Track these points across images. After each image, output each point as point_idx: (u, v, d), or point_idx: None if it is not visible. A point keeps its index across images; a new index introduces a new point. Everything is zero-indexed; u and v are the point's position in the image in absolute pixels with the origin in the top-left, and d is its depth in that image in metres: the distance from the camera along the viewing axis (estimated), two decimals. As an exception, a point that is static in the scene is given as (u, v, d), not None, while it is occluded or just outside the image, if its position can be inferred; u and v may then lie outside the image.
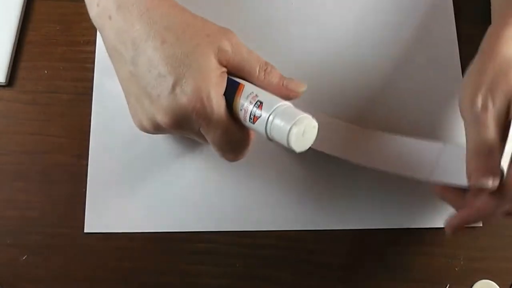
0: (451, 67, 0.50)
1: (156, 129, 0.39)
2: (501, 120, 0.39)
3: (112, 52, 0.40)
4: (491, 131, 0.39)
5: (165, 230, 0.45)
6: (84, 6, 0.50)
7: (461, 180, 0.40)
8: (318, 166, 0.47)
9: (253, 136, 0.40)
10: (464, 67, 0.50)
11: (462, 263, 0.45)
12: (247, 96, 0.38)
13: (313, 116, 0.37)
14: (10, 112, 0.48)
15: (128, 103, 0.41)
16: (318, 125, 0.38)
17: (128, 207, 0.46)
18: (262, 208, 0.46)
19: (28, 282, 0.44)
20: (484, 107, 0.39)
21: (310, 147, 0.38)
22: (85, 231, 0.45)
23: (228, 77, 0.39)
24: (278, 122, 0.37)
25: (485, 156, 0.38)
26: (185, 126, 0.38)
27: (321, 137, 0.40)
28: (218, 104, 0.37)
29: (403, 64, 0.50)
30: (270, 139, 0.38)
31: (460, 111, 0.41)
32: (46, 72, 0.49)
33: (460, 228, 0.42)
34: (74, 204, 0.46)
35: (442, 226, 0.46)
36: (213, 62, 0.37)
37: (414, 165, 0.44)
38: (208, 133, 0.38)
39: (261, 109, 0.37)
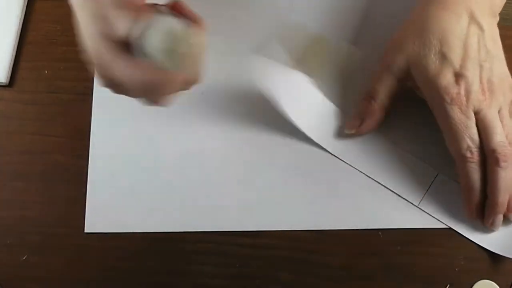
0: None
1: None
2: None
3: None
4: None
5: (165, 230, 0.45)
6: (84, 6, 0.50)
7: (444, 218, 0.46)
8: (318, 166, 0.47)
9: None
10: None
11: (462, 263, 0.45)
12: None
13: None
14: (10, 112, 0.48)
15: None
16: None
17: (128, 207, 0.46)
18: (262, 208, 0.46)
19: (28, 282, 0.44)
20: None
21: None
22: (85, 231, 0.45)
23: None
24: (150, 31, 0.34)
25: None
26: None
27: (321, 128, 0.43)
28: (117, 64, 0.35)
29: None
30: (149, 56, 0.35)
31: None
32: (46, 72, 0.49)
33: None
34: (74, 204, 0.46)
35: (442, 226, 0.46)
36: None
37: (406, 186, 0.46)
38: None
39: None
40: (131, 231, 0.45)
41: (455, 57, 0.42)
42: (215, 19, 0.47)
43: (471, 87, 0.42)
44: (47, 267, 0.45)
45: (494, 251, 0.45)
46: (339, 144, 0.47)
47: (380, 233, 0.46)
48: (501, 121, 0.43)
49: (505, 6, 0.52)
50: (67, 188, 0.46)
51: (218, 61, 0.49)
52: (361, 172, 0.46)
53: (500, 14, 0.50)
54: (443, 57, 0.42)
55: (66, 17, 0.50)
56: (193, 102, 0.48)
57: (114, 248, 0.45)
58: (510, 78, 0.45)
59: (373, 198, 0.46)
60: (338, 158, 0.47)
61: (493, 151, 0.42)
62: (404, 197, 0.46)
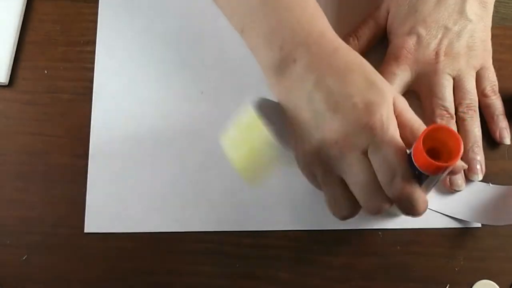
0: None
1: (317, 155, 0.38)
2: None
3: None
4: None
5: (165, 230, 0.45)
6: (84, 6, 0.51)
7: (435, 207, 0.46)
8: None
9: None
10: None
11: (462, 263, 0.45)
12: None
13: None
14: (10, 112, 0.48)
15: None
16: None
17: (128, 207, 0.46)
18: (262, 208, 0.46)
19: (28, 282, 0.44)
20: None
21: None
22: (85, 231, 0.45)
23: None
24: None
25: None
26: (355, 141, 0.37)
27: None
28: (394, 126, 0.37)
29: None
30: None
31: None
32: (46, 72, 0.49)
33: None
34: (74, 204, 0.46)
35: (441, 226, 0.46)
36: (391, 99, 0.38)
37: None
38: (380, 148, 0.36)
39: None
40: (131, 231, 0.45)
41: (422, 13, 0.45)
42: (215, 19, 0.47)
43: (424, 48, 0.45)
44: (47, 267, 0.45)
45: (488, 223, 0.45)
46: None
47: (380, 233, 0.46)
48: (459, 85, 0.46)
49: (505, 6, 0.52)
50: (67, 188, 0.46)
51: (218, 61, 0.50)
52: None
53: (500, 13, 0.51)
54: (414, 9, 0.45)
55: (66, 17, 0.51)
56: (193, 102, 0.48)
57: (114, 248, 0.45)
58: (484, 45, 0.47)
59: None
60: None
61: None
62: None
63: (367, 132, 0.36)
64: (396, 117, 0.38)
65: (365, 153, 0.37)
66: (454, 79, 0.46)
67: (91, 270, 0.45)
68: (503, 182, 0.47)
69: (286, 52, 0.39)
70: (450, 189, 0.46)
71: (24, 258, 0.45)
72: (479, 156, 0.46)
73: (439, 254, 0.46)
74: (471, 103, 0.46)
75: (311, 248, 0.46)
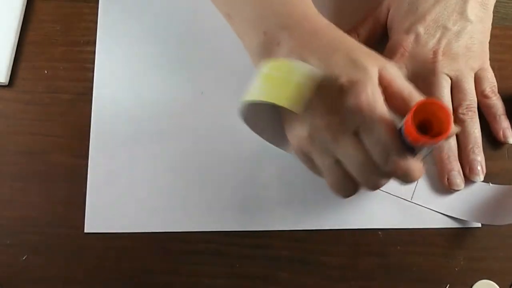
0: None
1: (313, 137, 0.38)
2: None
3: None
4: None
5: (165, 230, 0.45)
6: (84, 6, 0.50)
7: (435, 206, 0.46)
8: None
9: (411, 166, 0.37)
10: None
11: (462, 263, 0.45)
12: None
13: None
14: (10, 112, 0.48)
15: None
16: None
17: (128, 207, 0.46)
18: (262, 208, 0.46)
19: (28, 282, 0.44)
20: None
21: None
22: (85, 231, 0.45)
23: None
24: None
25: None
26: (345, 123, 0.36)
27: None
28: (381, 102, 0.36)
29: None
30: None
31: None
32: (46, 72, 0.49)
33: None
34: (74, 204, 0.46)
35: (441, 226, 0.46)
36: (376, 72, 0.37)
37: (397, 186, 0.45)
38: (370, 129, 0.36)
39: None
40: (131, 231, 0.45)
41: (422, 11, 0.45)
42: (214, 19, 0.47)
43: (422, 46, 0.45)
44: (47, 267, 0.45)
45: (487, 223, 0.46)
46: None
47: (380, 233, 0.46)
48: (458, 86, 0.46)
49: (505, 6, 0.52)
50: (67, 188, 0.46)
51: (218, 61, 0.50)
52: None
53: (500, 13, 0.51)
54: (414, 7, 0.45)
55: (66, 17, 0.50)
56: (193, 102, 0.48)
57: (114, 248, 0.45)
58: (483, 47, 0.47)
59: (373, 198, 0.46)
60: None
61: None
62: (396, 195, 0.46)
63: (355, 113, 0.36)
64: (385, 88, 0.37)
65: (356, 134, 0.37)
66: (452, 79, 0.46)
67: (91, 270, 0.45)
68: (504, 182, 0.47)
69: (270, 37, 0.39)
70: (449, 189, 0.46)
71: (24, 258, 0.45)
72: (479, 157, 0.46)
73: (439, 254, 0.46)
74: (470, 104, 0.46)
75: (311, 248, 0.46)
